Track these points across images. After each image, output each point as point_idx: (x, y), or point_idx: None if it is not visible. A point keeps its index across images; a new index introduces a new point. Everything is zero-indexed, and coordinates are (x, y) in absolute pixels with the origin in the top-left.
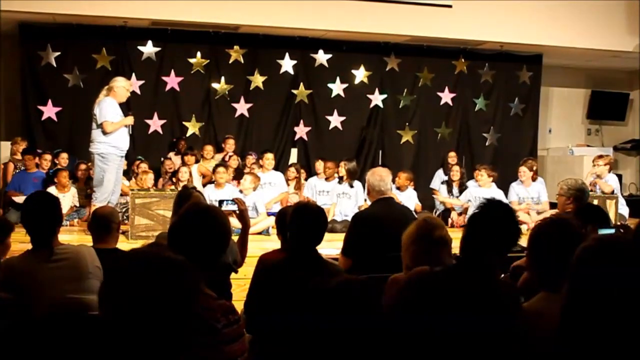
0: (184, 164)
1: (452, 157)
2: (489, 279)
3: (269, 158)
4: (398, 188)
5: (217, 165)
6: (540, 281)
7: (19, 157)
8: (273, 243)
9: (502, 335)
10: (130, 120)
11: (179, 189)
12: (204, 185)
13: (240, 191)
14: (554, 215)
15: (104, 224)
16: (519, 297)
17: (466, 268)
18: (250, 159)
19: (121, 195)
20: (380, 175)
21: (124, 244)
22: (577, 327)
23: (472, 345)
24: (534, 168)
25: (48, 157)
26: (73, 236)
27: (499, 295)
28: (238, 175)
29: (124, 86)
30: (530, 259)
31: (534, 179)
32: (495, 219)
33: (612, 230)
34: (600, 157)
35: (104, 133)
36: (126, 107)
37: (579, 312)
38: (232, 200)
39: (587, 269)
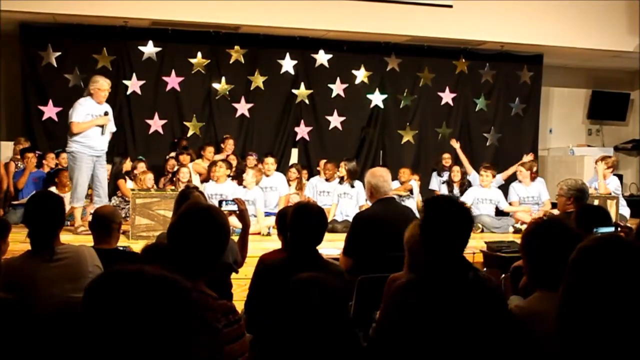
0: (179, 163)
1: (447, 159)
2: (466, 279)
3: (270, 162)
4: (402, 183)
5: (214, 162)
6: (536, 281)
7: (19, 156)
8: (273, 243)
9: (490, 332)
10: (102, 120)
11: (179, 188)
12: (202, 182)
13: (244, 186)
14: (546, 215)
15: (104, 224)
16: (500, 291)
17: (442, 271)
18: (251, 159)
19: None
20: (382, 176)
21: (124, 244)
22: (574, 326)
23: (463, 346)
24: (534, 169)
25: (52, 156)
26: (73, 236)
27: (480, 294)
28: (238, 175)
29: (98, 87)
30: (524, 259)
31: (533, 179)
32: (450, 214)
33: (612, 229)
34: (603, 158)
35: (72, 134)
36: (127, 107)
37: (576, 311)
38: (232, 200)
39: (584, 269)
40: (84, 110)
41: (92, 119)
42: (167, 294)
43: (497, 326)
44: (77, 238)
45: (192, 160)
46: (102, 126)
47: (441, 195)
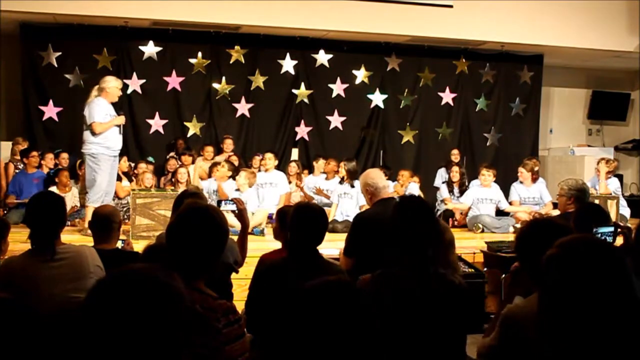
0: (181, 164)
1: (455, 155)
2: (428, 276)
3: (269, 158)
4: (402, 186)
5: (216, 163)
6: (534, 282)
7: (19, 157)
8: (273, 243)
9: (449, 324)
10: (120, 120)
11: (178, 188)
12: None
13: (237, 188)
14: (536, 218)
15: (104, 224)
16: (460, 289)
17: (408, 268)
18: (258, 159)
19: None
20: (377, 177)
21: (121, 237)
22: (553, 324)
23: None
24: (535, 169)
25: (50, 156)
26: (74, 236)
27: (440, 288)
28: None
29: (116, 85)
30: (520, 262)
31: (534, 180)
32: (415, 214)
33: (612, 229)
34: (607, 161)
35: (93, 134)
36: (128, 107)
37: (554, 311)
38: (231, 200)
39: (555, 270)
40: (102, 111)
41: (110, 119)
42: (160, 297)
43: (456, 319)
44: (77, 238)
45: (194, 161)
46: (119, 125)
47: (409, 196)
